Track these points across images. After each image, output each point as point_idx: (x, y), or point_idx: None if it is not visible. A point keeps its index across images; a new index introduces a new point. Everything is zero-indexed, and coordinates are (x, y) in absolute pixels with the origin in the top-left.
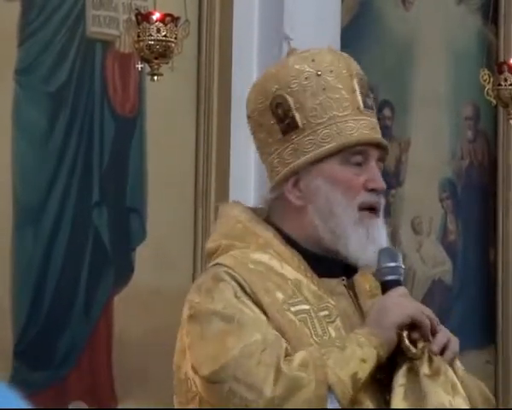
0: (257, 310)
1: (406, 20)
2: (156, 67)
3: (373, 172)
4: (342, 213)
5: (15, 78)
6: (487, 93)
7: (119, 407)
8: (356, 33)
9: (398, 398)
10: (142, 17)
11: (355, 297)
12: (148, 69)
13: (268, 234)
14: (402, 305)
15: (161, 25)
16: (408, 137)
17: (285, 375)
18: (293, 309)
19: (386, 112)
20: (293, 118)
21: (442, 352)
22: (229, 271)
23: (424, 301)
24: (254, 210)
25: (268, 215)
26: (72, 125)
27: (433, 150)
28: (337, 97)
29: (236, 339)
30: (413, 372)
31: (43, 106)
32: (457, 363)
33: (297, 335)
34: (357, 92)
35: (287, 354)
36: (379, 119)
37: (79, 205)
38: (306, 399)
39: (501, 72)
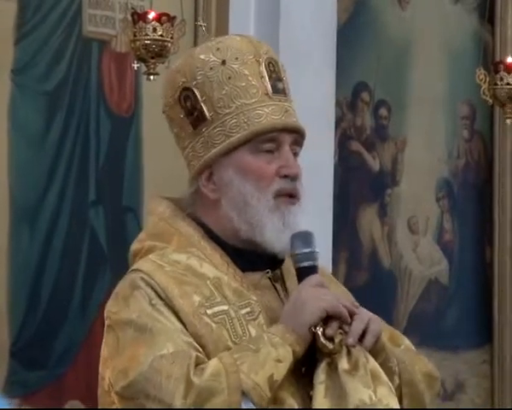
0: (172, 317)
1: (402, 19)
2: (152, 66)
3: (285, 158)
4: (257, 204)
5: (11, 77)
6: (483, 93)
7: None
8: (352, 33)
9: (319, 396)
10: (139, 16)
11: (283, 288)
12: (144, 68)
13: (189, 230)
14: (316, 298)
15: (157, 24)
16: (404, 137)
17: (196, 386)
18: (209, 312)
19: (383, 111)
20: (201, 110)
21: (362, 338)
22: (145, 277)
23: (420, 301)
24: (181, 202)
25: (192, 209)
26: (68, 125)
27: (429, 150)
28: (243, 85)
29: (148, 350)
30: (332, 368)
31: (39, 105)
32: (406, 341)
33: (214, 339)
34: (266, 78)
35: (199, 363)
36: (375, 118)
37: (76, 204)
38: (219, 406)
39: (497, 71)
